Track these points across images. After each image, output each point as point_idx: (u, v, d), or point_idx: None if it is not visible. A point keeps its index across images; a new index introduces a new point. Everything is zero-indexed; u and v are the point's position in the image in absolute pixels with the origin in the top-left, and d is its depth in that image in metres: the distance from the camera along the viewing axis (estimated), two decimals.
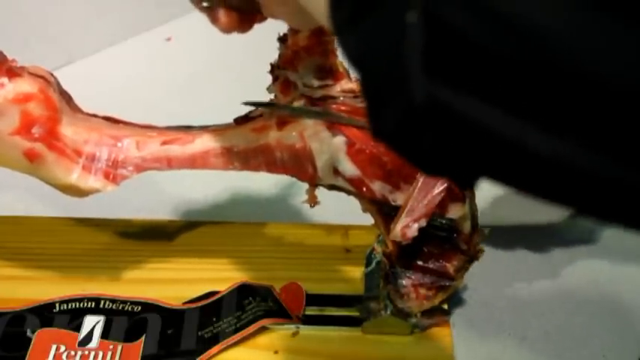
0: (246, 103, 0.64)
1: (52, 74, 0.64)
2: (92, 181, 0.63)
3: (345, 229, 0.76)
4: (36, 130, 0.61)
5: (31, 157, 0.61)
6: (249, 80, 1.01)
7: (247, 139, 0.64)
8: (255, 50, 1.13)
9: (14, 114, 0.60)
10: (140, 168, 0.63)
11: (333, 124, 0.63)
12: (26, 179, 0.65)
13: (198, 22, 1.20)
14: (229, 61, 1.13)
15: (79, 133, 0.63)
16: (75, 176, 0.62)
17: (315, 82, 0.63)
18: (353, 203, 0.67)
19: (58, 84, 0.64)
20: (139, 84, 1.07)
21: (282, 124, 0.64)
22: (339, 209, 0.70)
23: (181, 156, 0.64)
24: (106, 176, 0.63)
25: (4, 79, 0.60)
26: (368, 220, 0.68)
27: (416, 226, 0.62)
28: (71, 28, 1.11)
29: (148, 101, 1.03)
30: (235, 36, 1.14)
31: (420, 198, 0.62)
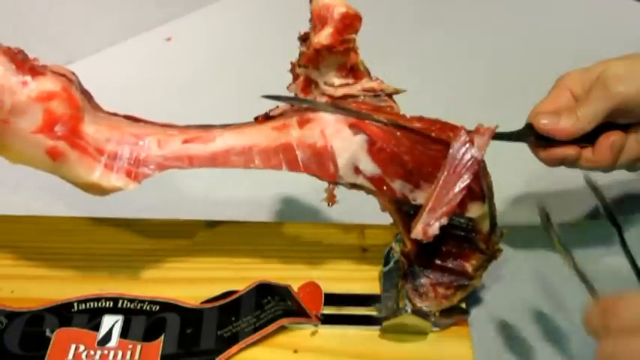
0: (266, 97, 0.64)
1: (73, 73, 0.64)
2: (114, 180, 0.62)
3: (361, 229, 0.77)
4: (59, 129, 0.60)
5: (54, 155, 0.61)
6: (249, 80, 1.02)
7: (268, 138, 0.64)
8: (255, 50, 1.14)
9: (37, 112, 0.60)
10: (162, 166, 0.63)
11: (354, 122, 0.63)
12: (41, 178, 0.64)
13: (199, 22, 1.23)
14: (229, 61, 1.13)
15: (100, 132, 0.63)
16: (97, 174, 0.62)
17: (337, 81, 0.64)
18: (369, 203, 0.67)
19: (79, 82, 0.64)
20: (139, 84, 1.07)
21: (303, 122, 0.64)
22: (355, 209, 0.70)
23: (202, 154, 0.64)
24: (128, 174, 0.62)
25: (28, 77, 0.60)
26: (383, 219, 0.68)
27: (437, 224, 0.62)
28: (71, 28, 1.10)
29: (148, 101, 1.02)
30: (235, 36, 1.15)
31: (442, 196, 0.62)
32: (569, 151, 0.67)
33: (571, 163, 0.68)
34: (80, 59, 1.10)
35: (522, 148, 0.69)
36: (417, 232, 0.63)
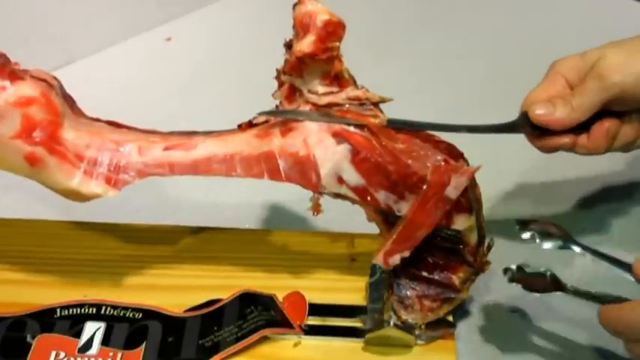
0: (262, 114, 0.65)
1: (55, 77, 0.63)
2: (93, 186, 0.62)
3: (351, 238, 0.75)
4: (37, 134, 0.60)
5: (32, 161, 0.60)
6: (249, 80, 1.02)
7: (250, 146, 0.63)
8: (255, 50, 1.13)
9: (15, 117, 0.59)
10: (142, 173, 0.62)
11: (338, 131, 0.62)
12: (27, 181, 0.64)
13: (198, 22, 1.22)
14: (229, 61, 1.12)
15: (81, 138, 0.62)
16: (76, 181, 0.62)
17: (321, 89, 0.63)
18: (360, 211, 0.66)
19: (61, 87, 0.64)
20: (139, 84, 1.07)
21: (285, 131, 0.63)
22: (346, 217, 0.69)
23: (184, 162, 0.63)
24: (108, 181, 0.62)
25: (6, 82, 0.59)
26: (375, 228, 0.67)
27: (399, 256, 0.63)
28: (71, 28, 1.10)
29: (148, 101, 1.02)
30: (235, 36, 1.14)
31: (409, 231, 0.63)
32: (565, 139, 0.66)
33: (567, 149, 0.67)
34: (80, 59, 1.10)
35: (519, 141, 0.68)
36: (379, 259, 0.63)
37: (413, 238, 0.62)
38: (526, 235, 0.64)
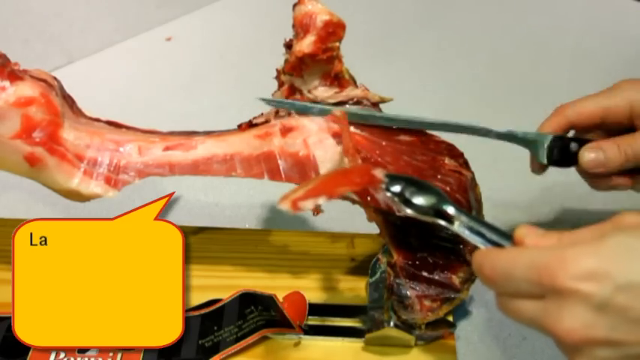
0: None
1: (55, 78, 0.63)
2: (93, 187, 0.62)
3: (351, 238, 0.75)
4: (37, 135, 0.60)
5: (32, 161, 0.60)
6: (249, 80, 1.02)
7: (250, 146, 0.63)
8: (255, 50, 1.13)
9: (15, 118, 0.59)
10: (142, 174, 0.62)
11: (338, 131, 0.62)
12: (27, 181, 0.64)
13: (198, 22, 1.22)
14: (229, 61, 1.12)
15: (80, 138, 0.62)
16: (76, 181, 0.61)
17: (321, 89, 0.63)
18: (361, 211, 0.66)
19: (61, 87, 0.63)
20: (139, 84, 1.07)
21: (286, 131, 0.63)
22: (346, 217, 0.69)
23: (184, 162, 0.63)
24: (108, 182, 0.62)
25: (6, 83, 0.59)
26: (375, 228, 0.67)
27: (311, 202, 0.54)
28: (71, 28, 1.10)
29: (148, 101, 1.02)
30: (235, 36, 1.14)
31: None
32: (619, 180, 0.64)
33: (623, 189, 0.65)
34: (80, 59, 1.09)
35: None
36: (287, 201, 0.54)
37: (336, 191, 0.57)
38: (395, 189, 0.56)
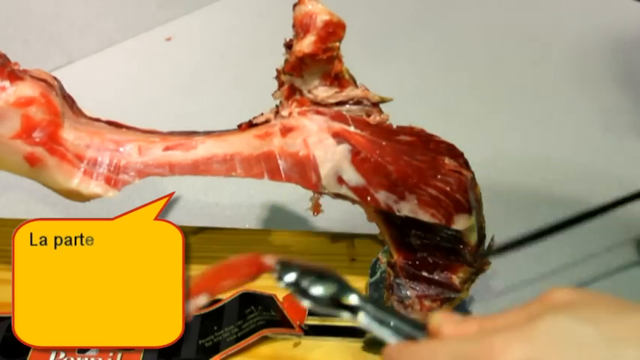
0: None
1: (55, 78, 0.63)
2: (93, 187, 0.62)
3: (351, 238, 0.75)
4: (37, 135, 0.60)
5: (32, 161, 0.60)
6: (249, 80, 1.02)
7: (250, 146, 0.63)
8: (255, 50, 1.13)
9: (15, 118, 0.59)
10: (142, 174, 0.62)
11: (338, 131, 0.62)
12: (27, 181, 0.64)
13: (198, 22, 1.22)
14: (229, 61, 1.13)
15: (80, 138, 0.62)
16: (76, 181, 0.61)
17: (321, 89, 0.63)
18: (361, 211, 0.66)
19: (61, 87, 0.63)
20: (139, 84, 1.07)
21: (286, 130, 0.63)
22: (346, 217, 0.69)
23: (184, 162, 0.63)
24: (108, 182, 0.62)
25: (6, 83, 0.59)
26: (375, 229, 0.67)
27: (192, 304, 0.53)
28: (71, 28, 1.10)
29: (148, 101, 1.02)
30: (235, 36, 1.14)
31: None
32: None
33: None
34: (80, 59, 1.10)
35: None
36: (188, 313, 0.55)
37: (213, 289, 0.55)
38: (289, 278, 0.51)
